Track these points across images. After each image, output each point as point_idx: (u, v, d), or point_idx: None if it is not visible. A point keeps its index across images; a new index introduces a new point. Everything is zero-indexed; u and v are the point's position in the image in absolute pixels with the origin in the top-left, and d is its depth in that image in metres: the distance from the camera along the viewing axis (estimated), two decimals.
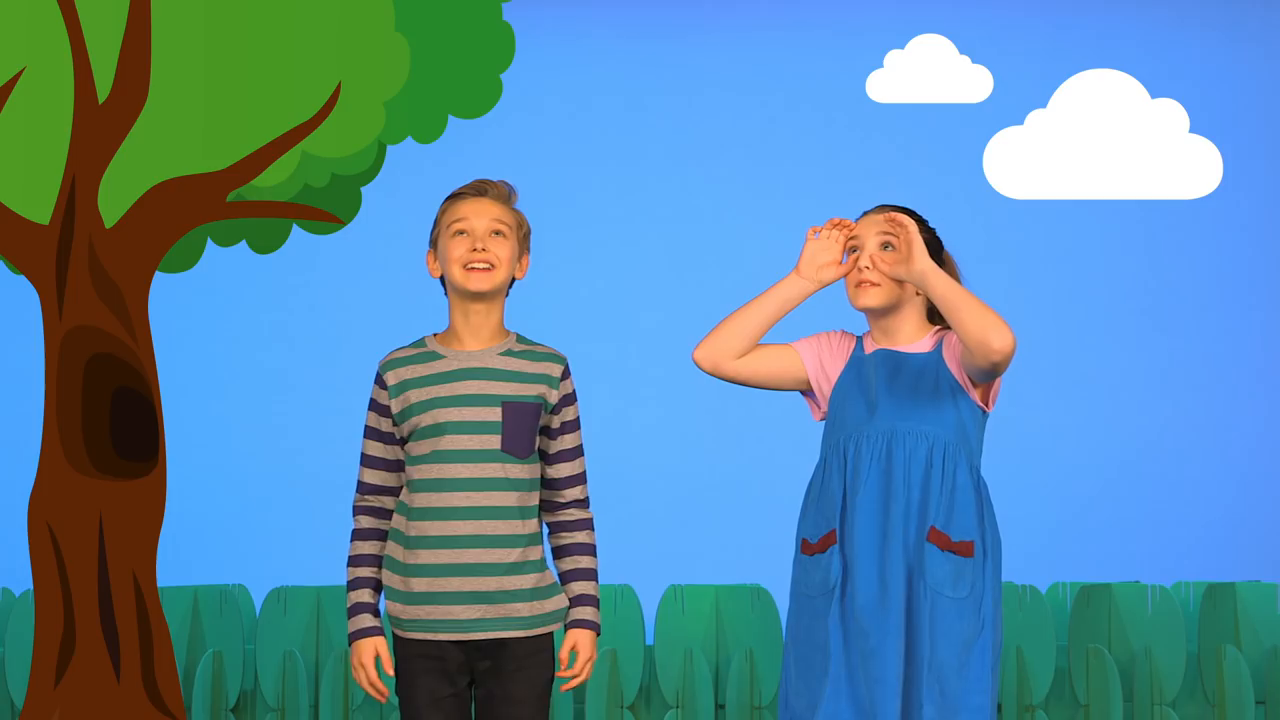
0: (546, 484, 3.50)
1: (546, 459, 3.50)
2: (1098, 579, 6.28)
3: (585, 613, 3.49)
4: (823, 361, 3.68)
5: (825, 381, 3.68)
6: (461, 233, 3.46)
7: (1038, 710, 5.84)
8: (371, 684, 3.46)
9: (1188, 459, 7.11)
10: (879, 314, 3.64)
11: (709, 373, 3.66)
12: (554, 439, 3.50)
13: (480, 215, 3.46)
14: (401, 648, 3.47)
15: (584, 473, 3.54)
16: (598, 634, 3.50)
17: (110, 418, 4.79)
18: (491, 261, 3.44)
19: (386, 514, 3.48)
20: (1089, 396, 7.16)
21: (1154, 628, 5.90)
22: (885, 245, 3.60)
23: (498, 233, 3.46)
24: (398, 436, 3.47)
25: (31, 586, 5.69)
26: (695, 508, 6.98)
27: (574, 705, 5.83)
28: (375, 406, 3.50)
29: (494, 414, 3.42)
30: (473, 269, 3.44)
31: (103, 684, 4.73)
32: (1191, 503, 7.08)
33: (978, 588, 3.52)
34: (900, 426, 3.55)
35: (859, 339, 3.69)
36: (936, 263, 3.55)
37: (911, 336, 3.64)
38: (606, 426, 6.89)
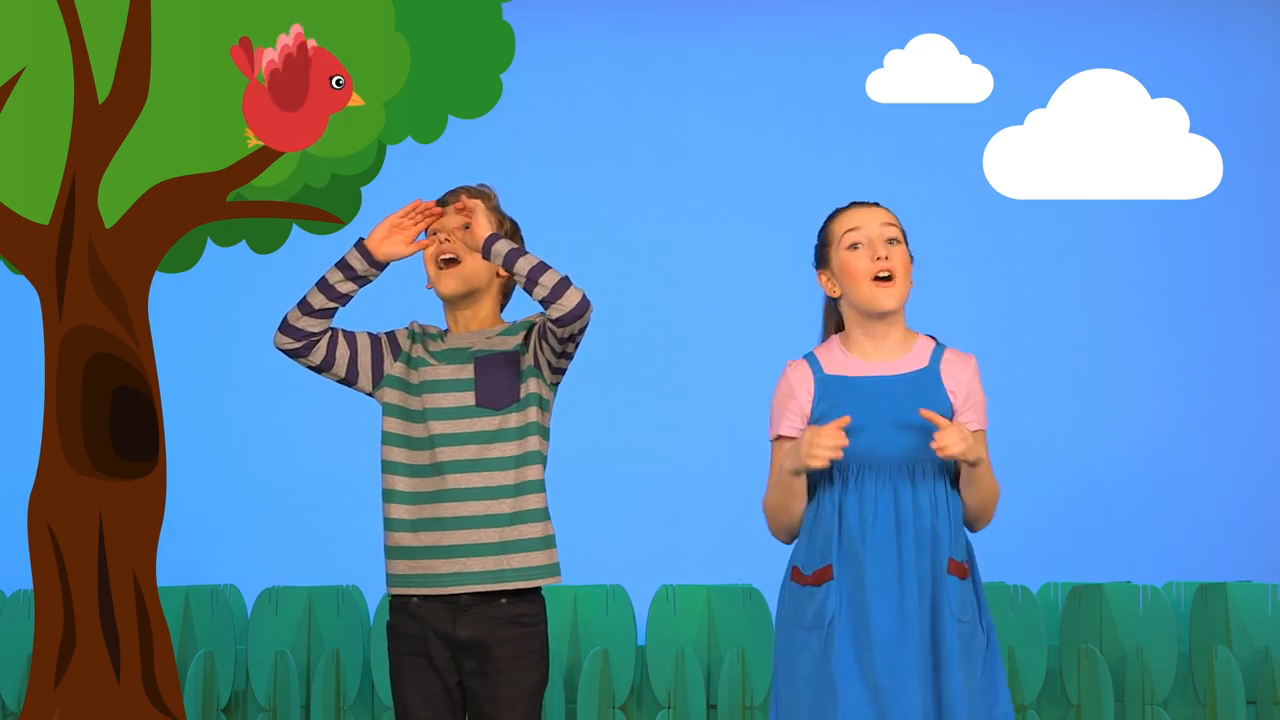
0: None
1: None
2: (1089, 579, 6.28)
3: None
4: (803, 414, 3.53)
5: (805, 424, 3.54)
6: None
7: (1029, 710, 5.86)
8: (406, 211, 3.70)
9: (1180, 459, 7.11)
10: (878, 318, 3.49)
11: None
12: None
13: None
14: (392, 644, 3.58)
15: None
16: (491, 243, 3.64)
17: (110, 418, 4.79)
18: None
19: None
20: (1083, 396, 7.16)
21: (1145, 628, 5.92)
22: (891, 240, 3.48)
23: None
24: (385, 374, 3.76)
25: (19, 587, 5.75)
26: (687, 507, 6.98)
27: (565, 705, 5.85)
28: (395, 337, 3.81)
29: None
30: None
31: (103, 684, 4.72)
32: (1183, 503, 7.09)
33: (971, 603, 3.49)
34: (898, 453, 3.44)
35: (809, 360, 3.56)
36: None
37: (895, 351, 3.53)
38: (598, 426, 6.91)
